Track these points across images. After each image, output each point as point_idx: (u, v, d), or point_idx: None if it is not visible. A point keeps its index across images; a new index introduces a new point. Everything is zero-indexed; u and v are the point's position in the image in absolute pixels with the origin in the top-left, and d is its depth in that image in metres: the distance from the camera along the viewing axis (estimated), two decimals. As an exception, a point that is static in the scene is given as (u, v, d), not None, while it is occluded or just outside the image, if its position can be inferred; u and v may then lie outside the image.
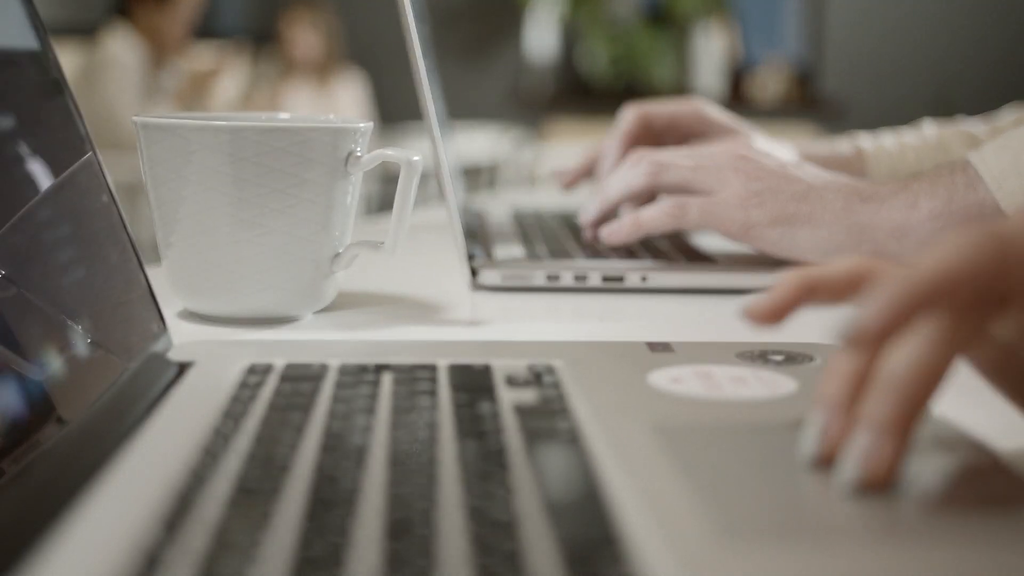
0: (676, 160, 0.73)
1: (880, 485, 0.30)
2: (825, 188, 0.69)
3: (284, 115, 0.66)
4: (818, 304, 0.36)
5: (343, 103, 3.67)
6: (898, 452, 0.30)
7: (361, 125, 0.61)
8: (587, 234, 0.81)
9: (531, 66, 4.84)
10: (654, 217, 0.72)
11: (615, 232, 0.74)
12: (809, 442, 0.33)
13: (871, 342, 0.31)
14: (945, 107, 2.01)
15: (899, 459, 0.30)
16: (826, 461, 0.32)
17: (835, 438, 0.32)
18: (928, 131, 0.91)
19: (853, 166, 0.90)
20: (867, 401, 0.31)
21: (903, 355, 0.31)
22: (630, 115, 0.92)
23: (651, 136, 0.92)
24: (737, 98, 4.71)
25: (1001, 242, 0.31)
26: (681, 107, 0.93)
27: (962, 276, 0.30)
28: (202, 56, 3.09)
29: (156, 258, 0.62)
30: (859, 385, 0.32)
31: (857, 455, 0.30)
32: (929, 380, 0.31)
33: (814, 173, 0.72)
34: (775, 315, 0.35)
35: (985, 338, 0.34)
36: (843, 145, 0.92)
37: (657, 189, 0.75)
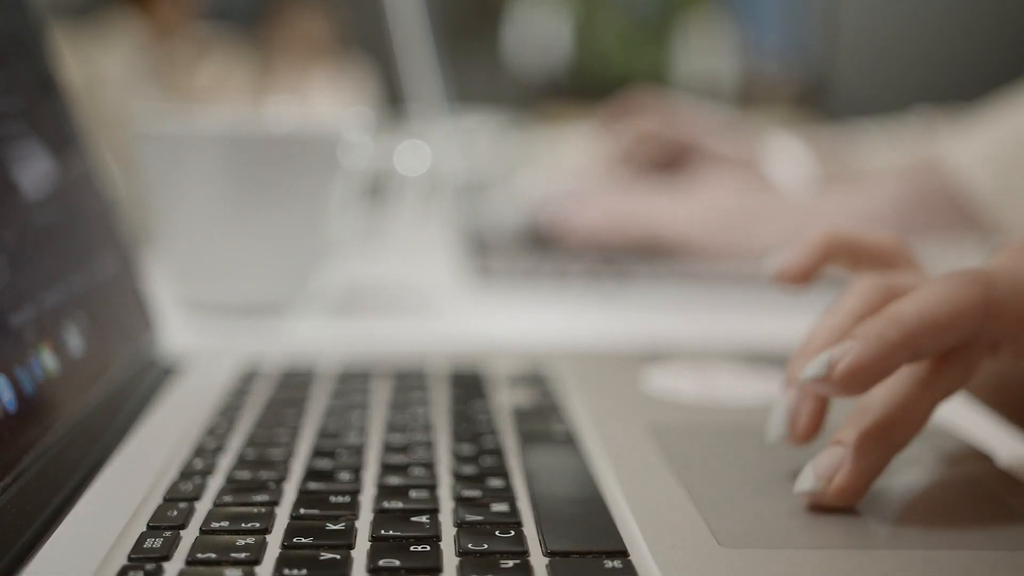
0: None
1: (835, 501, 0.29)
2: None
3: (283, 113, 0.67)
4: (836, 266, 0.36)
5: (345, 91, 3.66)
6: (863, 474, 0.29)
7: (356, 127, 0.61)
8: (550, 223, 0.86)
9: (526, 51, 4.82)
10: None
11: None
12: (777, 423, 0.32)
13: (853, 387, 0.29)
14: (954, 97, 2.00)
15: (863, 483, 0.29)
16: (793, 440, 0.32)
17: (803, 421, 0.32)
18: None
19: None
20: (845, 427, 0.30)
21: (884, 397, 0.30)
22: (627, 137, 0.91)
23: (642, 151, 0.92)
24: (744, 90, 4.69)
25: (986, 286, 0.30)
26: (677, 135, 0.91)
27: (943, 322, 0.29)
28: (195, 45, 3.06)
29: (153, 250, 0.62)
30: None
31: (822, 466, 0.29)
32: (908, 425, 0.30)
33: (797, 203, 0.80)
34: (804, 275, 0.35)
35: (975, 375, 0.32)
36: (854, 163, 0.95)
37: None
